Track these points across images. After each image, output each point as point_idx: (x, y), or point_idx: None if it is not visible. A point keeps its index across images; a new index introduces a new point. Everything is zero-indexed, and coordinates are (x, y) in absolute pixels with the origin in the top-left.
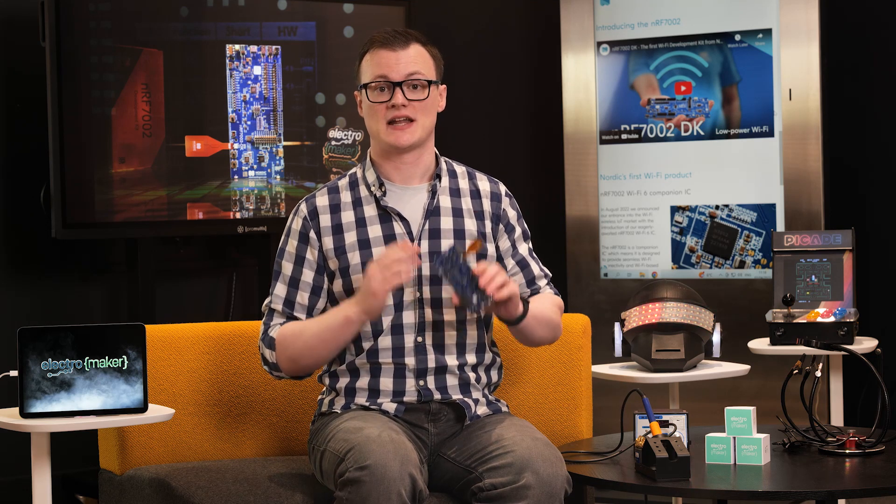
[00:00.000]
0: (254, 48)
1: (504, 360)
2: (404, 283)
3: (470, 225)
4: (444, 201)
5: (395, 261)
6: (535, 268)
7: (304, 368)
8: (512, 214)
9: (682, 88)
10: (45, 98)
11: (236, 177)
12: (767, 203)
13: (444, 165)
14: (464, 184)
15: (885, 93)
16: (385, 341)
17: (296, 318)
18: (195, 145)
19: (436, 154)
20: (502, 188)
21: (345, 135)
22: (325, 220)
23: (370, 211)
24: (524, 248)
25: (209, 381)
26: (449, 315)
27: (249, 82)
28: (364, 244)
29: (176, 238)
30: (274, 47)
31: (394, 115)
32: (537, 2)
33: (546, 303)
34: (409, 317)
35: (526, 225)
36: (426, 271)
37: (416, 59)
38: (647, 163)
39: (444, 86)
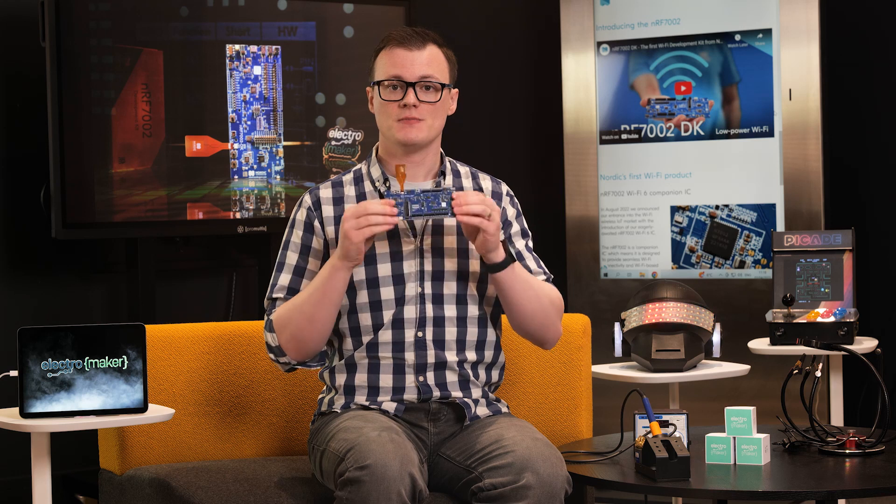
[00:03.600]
0: (254, 48)
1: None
2: (377, 235)
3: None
4: None
5: (372, 213)
6: (532, 264)
7: (307, 343)
8: (511, 212)
9: (682, 88)
10: (45, 98)
11: (236, 177)
12: (767, 203)
13: (448, 165)
14: (467, 183)
15: (885, 93)
16: (385, 335)
17: None
18: (195, 145)
19: (441, 154)
20: (504, 188)
21: (345, 135)
22: (328, 210)
23: None
24: (521, 244)
25: (209, 381)
26: (450, 311)
27: (249, 82)
28: None
29: (176, 238)
30: (274, 47)
31: (404, 114)
32: (537, 2)
33: (541, 283)
34: (410, 311)
35: (526, 224)
36: (428, 266)
37: (430, 61)
38: (647, 163)
39: (457, 90)
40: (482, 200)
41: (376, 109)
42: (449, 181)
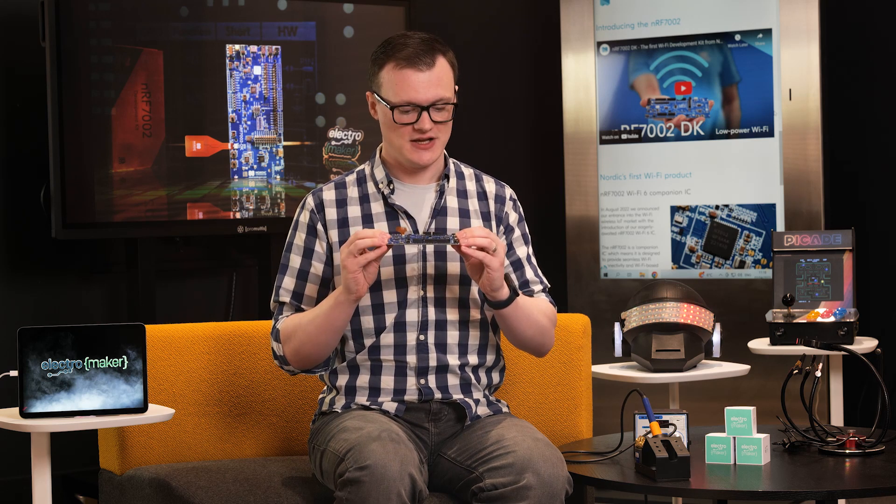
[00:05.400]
0: (254, 48)
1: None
2: (374, 258)
3: (476, 226)
4: (452, 202)
5: (360, 238)
6: (530, 273)
7: (309, 359)
8: (513, 217)
9: (682, 88)
10: (45, 98)
11: (236, 177)
12: (767, 203)
13: (452, 167)
14: (471, 185)
15: (885, 93)
16: (387, 338)
17: (304, 311)
18: (195, 145)
19: (445, 156)
20: (508, 191)
21: (345, 135)
22: (332, 213)
23: (377, 208)
24: (522, 252)
25: (209, 381)
26: (452, 315)
27: (249, 82)
28: None
29: (176, 238)
30: (274, 47)
31: (419, 136)
32: (537, 2)
33: (538, 304)
34: (412, 315)
35: (527, 230)
36: (430, 270)
37: (440, 80)
38: (647, 163)
39: (457, 86)
40: (487, 234)
41: (385, 125)
42: (453, 184)
